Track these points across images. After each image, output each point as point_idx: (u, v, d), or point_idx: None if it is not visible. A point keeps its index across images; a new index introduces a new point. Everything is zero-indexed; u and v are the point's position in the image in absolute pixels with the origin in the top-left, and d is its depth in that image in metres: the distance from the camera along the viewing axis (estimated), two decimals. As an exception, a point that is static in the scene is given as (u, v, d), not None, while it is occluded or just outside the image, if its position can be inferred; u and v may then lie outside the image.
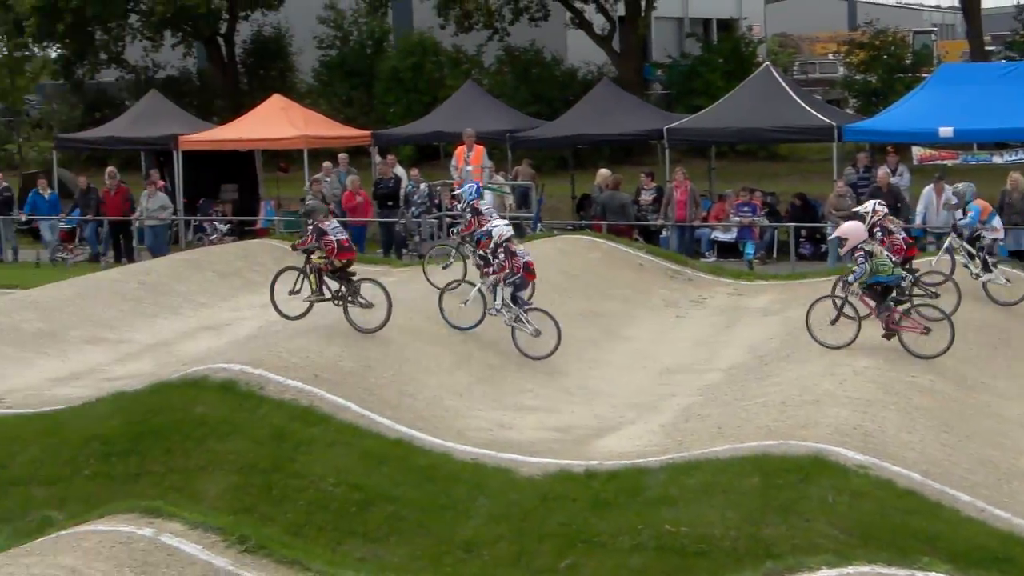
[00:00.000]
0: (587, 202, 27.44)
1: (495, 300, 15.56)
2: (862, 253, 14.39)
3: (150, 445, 12.80)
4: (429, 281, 17.20)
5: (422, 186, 25.85)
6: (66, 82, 43.61)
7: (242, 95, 41.28)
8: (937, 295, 15.89)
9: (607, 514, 11.01)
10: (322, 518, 11.66)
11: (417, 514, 11.54)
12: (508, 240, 15.64)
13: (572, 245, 21.11)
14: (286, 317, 15.71)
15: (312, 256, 15.28)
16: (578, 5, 39.59)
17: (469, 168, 24.68)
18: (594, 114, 28.00)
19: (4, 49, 41.99)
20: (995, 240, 17.68)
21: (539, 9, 39.89)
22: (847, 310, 14.77)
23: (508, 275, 15.44)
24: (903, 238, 15.85)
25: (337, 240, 15.19)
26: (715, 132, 26.13)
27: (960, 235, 17.47)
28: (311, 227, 15.33)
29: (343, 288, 15.23)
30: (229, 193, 30.35)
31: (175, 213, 27.63)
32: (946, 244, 17.78)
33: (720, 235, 24.74)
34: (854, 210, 16.51)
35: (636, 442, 12.64)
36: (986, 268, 17.21)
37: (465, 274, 16.78)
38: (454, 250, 17.29)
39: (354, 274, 15.41)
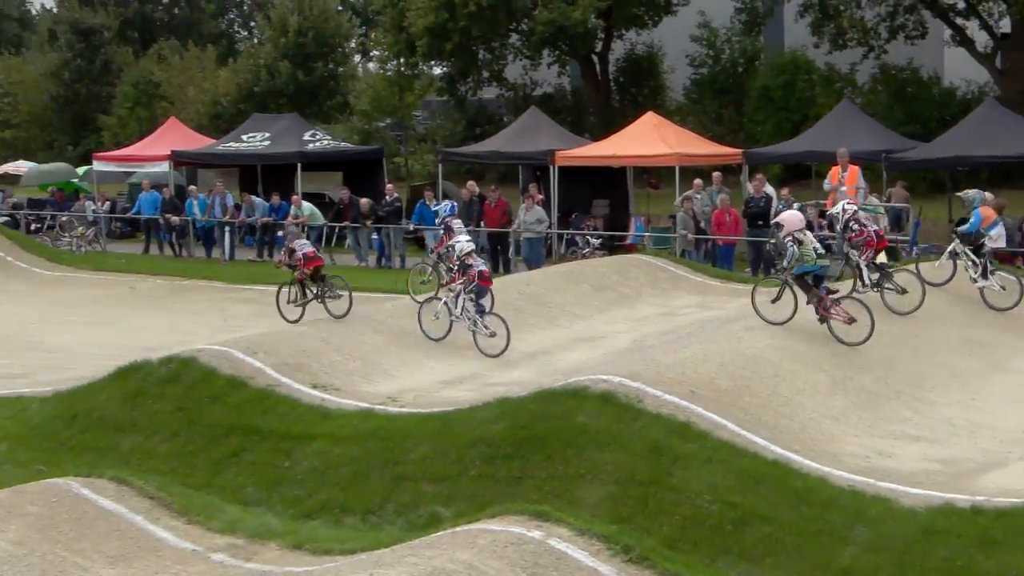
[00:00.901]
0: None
1: (456, 308, 17.70)
2: (791, 239, 15.80)
3: (532, 450, 13.15)
4: (412, 296, 19.40)
5: (794, 206, 25.63)
6: (450, 98, 45.62)
7: (613, 112, 42.12)
8: (904, 291, 16.96)
9: (995, 553, 10.63)
10: (697, 534, 11.72)
11: (793, 537, 11.44)
12: (468, 254, 17.80)
13: (951, 270, 20.37)
14: (287, 320, 19.17)
15: (294, 272, 19.10)
16: (960, 22, 38.09)
17: (843, 188, 24.31)
18: (976, 135, 26.99)
19: (395, 68, 44.55)
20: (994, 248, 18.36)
21: (916, 27, 38.63)
22: (786, 291, 16.17)
23: (466, 284, 17.59)
24: (875, 231, 17.32)
25: (304, 253, 18.92)
26: (1114, 156, 24.68)
27: (963, 240, 18.40)
28: (284, 247, 19.60)
29: (319, 289, 18.92)
30: (601, 208, 31.05)
31: (550, 227, 28.57)
32: (949, 248, 18.65)
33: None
34: (828, 212, 18.44)
35: (1026, 480, 12.16)
36: (984, 275, 18.16)
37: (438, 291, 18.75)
38: (431, 268, 19.51)
39: (324, 276, 19.08)
